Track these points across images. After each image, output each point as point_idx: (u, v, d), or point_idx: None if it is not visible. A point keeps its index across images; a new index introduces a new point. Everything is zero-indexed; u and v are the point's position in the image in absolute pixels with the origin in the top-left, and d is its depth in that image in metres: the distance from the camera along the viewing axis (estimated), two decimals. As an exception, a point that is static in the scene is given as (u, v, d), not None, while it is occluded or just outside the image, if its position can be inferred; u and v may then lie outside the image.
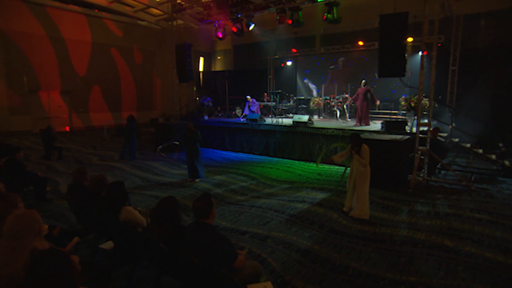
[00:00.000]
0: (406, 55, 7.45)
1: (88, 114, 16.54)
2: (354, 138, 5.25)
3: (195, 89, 18.50)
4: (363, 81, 10.48)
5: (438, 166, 7.96)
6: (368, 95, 10.15)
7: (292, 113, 14.46)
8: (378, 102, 10.68)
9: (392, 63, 7.43)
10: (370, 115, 10.76)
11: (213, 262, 2.43)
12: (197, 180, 7.58)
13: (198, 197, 2.66)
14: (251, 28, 11.94)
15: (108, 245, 3.95)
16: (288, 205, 5.96)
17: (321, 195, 6.53)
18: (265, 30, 14.63)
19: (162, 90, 19.51)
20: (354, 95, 10.61)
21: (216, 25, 12.24)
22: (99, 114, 16.92)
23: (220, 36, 12.50)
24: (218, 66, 20.47)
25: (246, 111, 12.98)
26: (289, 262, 3.90)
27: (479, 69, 10.82)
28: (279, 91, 11.73)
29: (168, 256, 2.61)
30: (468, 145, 8.38)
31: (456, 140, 8.65)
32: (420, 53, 7.96)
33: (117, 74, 17.67)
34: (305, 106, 14.44)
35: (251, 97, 13.07)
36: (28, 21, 13.94)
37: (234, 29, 11.77)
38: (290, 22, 10.64)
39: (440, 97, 10.86)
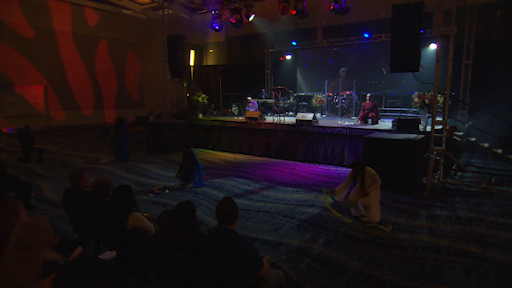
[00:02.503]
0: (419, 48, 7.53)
1: (64, 112, 16.25)
2: (356, 165, 5.32)
3: (185, 85, 18.39)
4: (368, 94, 10.67)
5: (453, 167, 8.07)
6: (375, 110, 10.34)
7: (293, 111, 14.49)
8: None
9: (405, 57, 7.45)
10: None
11: (238, 271, 2.43)
12: (188, 185, 7.53)
13: (222, 201, 2.67)
14: (251, 19, 11.83)
15: (108, 255, 3.91)
16: (297, 209, 5.98)
17: (330, 199, 6.54)
18: (263, 21, 14.53)
19: (150, 86, 19.32)
20: (361, 113, 10.58)
21: (213, 15, 12.17)
22: (76, 112, 16.64)
23: (217, 27, 12.43)
24: (210, 60, 20.37)
25: None
26: (307, 271, 3.92)
27: (496, 63, 10.80)
28: (281, 87, 11.66)
29: (186, 266, 2.59)
30: (486, 145, 8.51)
31: (473, 139, 8.78)
32: (435, 46, 8.06)
33: (101, 68, 17.45)
34: (306, 104, 14.49)
35: (252, 98, 13.03)
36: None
37: (233, 20, 11.62)
38: (294, 12, 10.55)
39: (453, 93, 10.99)
